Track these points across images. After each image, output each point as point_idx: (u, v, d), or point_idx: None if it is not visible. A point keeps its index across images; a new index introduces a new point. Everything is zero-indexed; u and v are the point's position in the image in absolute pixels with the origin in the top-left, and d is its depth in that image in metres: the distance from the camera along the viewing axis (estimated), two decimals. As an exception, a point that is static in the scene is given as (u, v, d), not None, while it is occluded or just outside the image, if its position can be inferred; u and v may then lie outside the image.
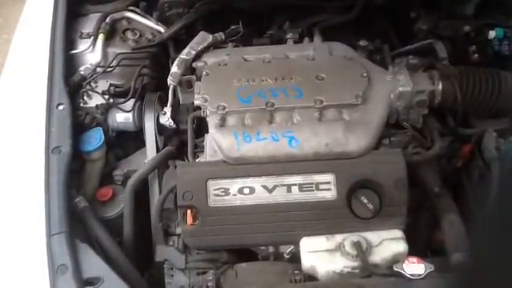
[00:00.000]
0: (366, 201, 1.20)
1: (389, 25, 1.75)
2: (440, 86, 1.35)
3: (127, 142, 1.54)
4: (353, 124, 1.26)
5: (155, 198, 1.37)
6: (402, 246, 1.16)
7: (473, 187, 1.37)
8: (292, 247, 1.24)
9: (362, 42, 1.51)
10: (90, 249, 1.15)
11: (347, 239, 1.16)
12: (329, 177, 1.20)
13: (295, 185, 1.20)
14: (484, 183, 1.32)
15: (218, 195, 1.20)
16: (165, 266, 1.28)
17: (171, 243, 1.30)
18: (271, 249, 1.27)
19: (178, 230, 1.30)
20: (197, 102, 1.34)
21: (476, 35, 1.54)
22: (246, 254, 1.30)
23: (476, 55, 1.50)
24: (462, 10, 1.66)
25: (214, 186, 1.20)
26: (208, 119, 1.31)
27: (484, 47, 1.51)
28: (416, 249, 1.18)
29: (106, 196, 1.35)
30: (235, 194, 1.20)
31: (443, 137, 1.38)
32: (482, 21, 1.60)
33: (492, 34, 1.49)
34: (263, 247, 1.28)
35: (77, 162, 1.34)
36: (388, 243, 1.16)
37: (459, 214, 1.26)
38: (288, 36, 1.59)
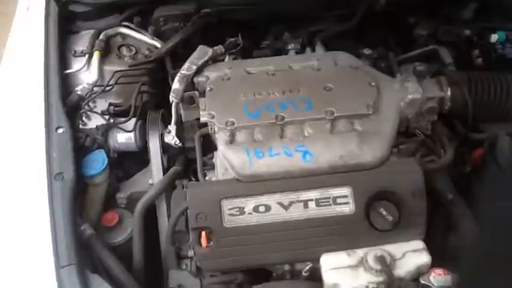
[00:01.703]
0: (384, 212, 1.18)
1: (388, 31, 1.74)
2: (449, 92, 1.34)
3: (127, 162, 1.49)
4: (366, 134, 1.23)
5: (163, 220, 1.32)
6: (425, 258, 1.13)
7: (485, 192, 1.36)
8: (310, 264, 1.20)
9: (366, 51, 1.49)
10: (101, 279, 1.09)
11: (369, 254, 1.13)
12: (346, 190, 1.17)
13: (312, 200, 1.17)
14: (498, 187, 1.30)
15: (232, 215, 1.16)
16: (178, 291, 1.22)
17: (184, 267, 1.25)
18: (287, 267, 1.23)
19: (190, 253, 1.25)
20: (203, 119, 1.30)
21: (478, 39, 1.53)
22: (260, 274, 1.25)
23: (480, 59, 1.50)
24: (461, 15, 1.67)
25: (228, 205, 1.16)
26: (216, 136, 1.26)
27: (487, 51, 1.50)
28: (433, 257, 1.16)
29: (112, 222, 1.30)
30: (251, 213, 1.16)
31: (452, 142, 1.37)
32: (481, 24, 1.60)
33: (494, 37, 1.49)
34: (279, 265, 1.24)
35: (79, 186, 1.28)
36: (411, 255, 1.14)
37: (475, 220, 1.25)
38: (289, 47, 1.56)
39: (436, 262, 1.13)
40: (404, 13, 1.69)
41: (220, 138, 1.24)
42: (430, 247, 1.20)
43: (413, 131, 1.36)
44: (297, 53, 1.55)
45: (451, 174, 1.37)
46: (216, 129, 1.26)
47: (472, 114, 1.35)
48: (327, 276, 1.13)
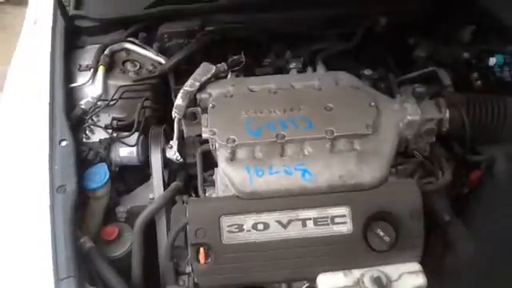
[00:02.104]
0: (382, 233, 1.18)
1: (388, 52, 1.76)
2: (447, 114, 1.36)
3: (128, 175, 1.50)
4: (365, 154, 1.24)
5: (163, 234, 1.33)
6: (421, 280, 1.14)
7: (482, 212, 1.37)
8: (307, 284, 1.21)
9: (367, 71, 1.51)
10: (99, 293, 1.10)
11: (366, 275, 1.13)
12: (344, 210, 1.18)
13: (310, 219, 1.18)
14: (495, 207, 1.32)
15: (231, 231, 1.17)
16: (176, 306, 1.23)
17: (181, 283, 1.26)
18: (284, 285, 1.24)
19: (188, 269, 1.26)
20: (205, 136, 1.32)
21: (477, 62, 1.56)
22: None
23: (479, 82, 1.52)
24: (459, 37, 1.69)
25: (227, 222, 1.17)
26: (217, 153, 1.28)
27: (486, 74, 1.52)
28: (429, 278, 1.16)
29: (111, 235, 1.31)
30: (249, 230, 1.17)
31: (450, 164, 1.38)
32: (479, 47, 1.62)
33: (492, 60, 1.51)
34: (276, 284, 1.25)
35: (80, 199, 1.29)
36: (407, 277, 1.14)
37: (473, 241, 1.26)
38: (291, 65, 1.58)
39: (432, 283, 1.14)
40: (404, 34, 1.72)
41: (221, 155, 1.26)
42: (427, 268, 1.21)
43: (411, 152, 1.38)
44: (298, 72, 1.57)
45: (449, 195, 1.38)
46: (217, 145, 1.28)
47: (470, 135, 1.36)
48: (323, 296, 1.13)
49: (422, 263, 1.16)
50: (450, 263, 1.26)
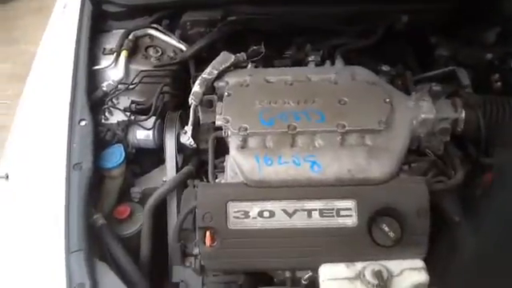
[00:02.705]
0: (387, 229, 1.19)
1: (408, 50, 1.75)
2: (463, 115, 1.34)
3: (145, 158, 1.54)
4: (375, 150, 1.25)
5: (173, 216, 1.37)
6: (423, 277, 1.14)
7: (495, 215, 1.35)
8: (310, 273, 1.22)
9: (385, 67, 1.51)
10: (108, 268, 1.14)
11: (368, 268, 1.14)
12: (350, 203, 1.19)
13: (316, 210, 1.19)
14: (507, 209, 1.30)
15: (237, 217, 1.19)
16: (180, 286, 1.27)
17: (188, 264, 1.29)
18: (288, 273, 1.26)
19: (196, 251, 1.29)
20: (218, 123, 1.34)
21: (500, 63, 1.53)
22: (262, 278, 1.28)
23: (499, 83, 1.50)
24: (483, 38, 1.66)
25: (234, 208, 1.20)
26: (229, 140, 1.30)
27: (507, 76, 1.50)
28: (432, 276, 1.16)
29: (123, 214, 1.35)
30: (255, 217, 1.19)
31: (463, 164, 1.37)
32: (504, 49, 1.60)
33: (515, 62, 1.48)
34: (280, 271, 1.27)
35: (96, 177, 1.34)
36: (409, 273, 1.14)
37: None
38: (310, 58, 1.59)
39: (434, 280, 1.14)
40: (426, 33, 1.70)
41: (232, 143, 1.28)
42: (432, 266, 1.21)
43: (424, 150, 1.37)
44: (316, 65, 1.57)
45: (461, 196, 1.37)
46: (229, 133, 1.30)
47: (485, 137, 1.35)
48: (324, 286, 1.14)
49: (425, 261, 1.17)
50: (455, 263, 1.25)
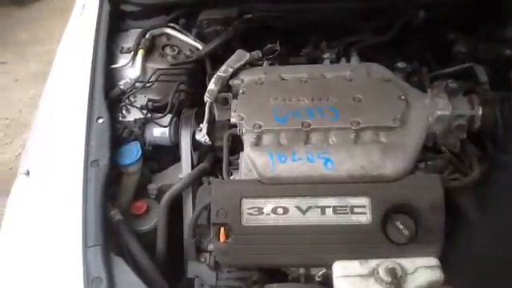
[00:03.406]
0: (401, 226, 1.18)
1: (426, 46, 1.73)
2: (480, 111, 1.33)
3: (162, 155, 1.56)
4: (390, 147, 1.24)
5: (188, 213, 1.39)
6: (437, 275, 1.13)
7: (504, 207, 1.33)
8: (324, 270, 1.22)
9: (400, 64, 1.50)
10: (124, 263, 1.16)
11: (381, 265, 1.14)
12: (364, 200, 1.19)
13: (329, 207, 1.19)
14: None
15: (251, 214, 1.20)
16: (195, 282, 1.28)
17: (203, 260, 1.31)
18: (302, 270, 1.26)
19: (210, 247, 1.30)
20: (233, 120, 1.35)
21: (519, 60, 1.51)
22: (277, 274, 1.29)
23: (517, 80, 1.47)
24: (502, 34, 1.63)
25: (247, 204, 1.20)
26: (244, 137, 1.31)
27: (526, 72, 1.47)
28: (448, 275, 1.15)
29: (140, 210, 1.37)
30: (269, 214, 1.20)
31: (482, 162, 1.35)
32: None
33: (534, 59, 1.45)
34: (294, 268, 1.27)
35: (113, 174, 1.36)
36: (423, 271, 1.13)
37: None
38: (325, 56, 1.59)
39: (450, 279, 1.13)
40: (443, 28, 1.68)
41: (247, 140, 1.29)
42: (446, 264, 1.20)
43: (440, 148, 1.36)
44: (331, 62, 1.57)
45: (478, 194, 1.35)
46: (244, 130, 1.31)
47: (503, 134, 1.33)
48: (338, 283, 1.14)
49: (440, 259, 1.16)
50: (470, 261, 1.24)
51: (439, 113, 1.31)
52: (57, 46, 1.76)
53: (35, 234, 1.22)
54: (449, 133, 1.33)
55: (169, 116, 1.49)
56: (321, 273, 1.23)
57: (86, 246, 1.15)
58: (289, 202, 1.20)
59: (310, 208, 1.20)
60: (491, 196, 1.30)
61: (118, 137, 1.42)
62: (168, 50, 1.67)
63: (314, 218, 1.19)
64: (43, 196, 1.29)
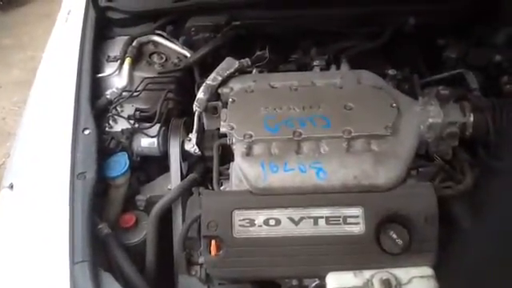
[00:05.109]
0: (394, 236, 1.17)
1: (417, 52, 1.72)
2: (471, 118, 1.32)
3: (150, 166, 1.53)
4: (382, 156, 1.23)
5: (178, 225, 1.36)
6: (432, 285, 1.12)
7: (505, 220, 1.33)
8: (317, 281, 1.21)
9: (391, 71, 1.49)
10: (113, 278, 1.13)
11: (376, 276, 1.12)
12: (357, 210, 1.17)
13: (322, 218, 1.17)
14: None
15: (243, 226, 1.18)
16: (186, 296, 1.26)
17: (193, 273, 1.28)
18: (295, 282, 1.25)
19: (201, 260, 1.27)
20: (223, 130, 1.33)
21: (509, 66, 1.50)
22: (269, 286, 1.27)
23: (508, 86, 1.47)
24: (493, 39, 1.63)
25: (239, 216, 1.18)
26: (234, 147, 1.29)
27: (516, 78, 1.47)
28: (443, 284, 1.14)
29: (129, 223, 1.34)
30: (261, 225, 1.18)
31: (473, 169, 1.35)
32: (513, 51, 1.57)
33: (525, 64, 1.46)
34: (287, 280, 1.25)
35: (100, 186, 1.33)
36: (418, 281, 1.12)
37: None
38: (315, 63, 1.57)
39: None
40: (433, 34, 1.68)
41: (237, 150, 1.27)
42: (441, 273, 1.19)
43: (432, 155, 1.35)
44: (321, 69, 1.56)
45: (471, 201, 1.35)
46: (234, 140, 1.29)
47: (495, 141, 1.32)
48: (332, 294, 1.13)
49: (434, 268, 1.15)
50: (464, 269, 1.23)
51: (431, 120, 1.30)
52: (41, 52, 1.73)
53: (20, 251, 1.18)
54: (441, 140, 1.33)
55: (157, 126, 1.46)
56: (314, 284, 1.22)
57: (73, 262, 1.11)
58: (281, 213, 1.18)
59: (302, 219, 1.18)
60: (484, 203, 1.29)
61: (105, 148, 1.39)
62: (155, 58, 1.65)
63: (306, 228, 1.17)
64: (28, 210, 1.26)
